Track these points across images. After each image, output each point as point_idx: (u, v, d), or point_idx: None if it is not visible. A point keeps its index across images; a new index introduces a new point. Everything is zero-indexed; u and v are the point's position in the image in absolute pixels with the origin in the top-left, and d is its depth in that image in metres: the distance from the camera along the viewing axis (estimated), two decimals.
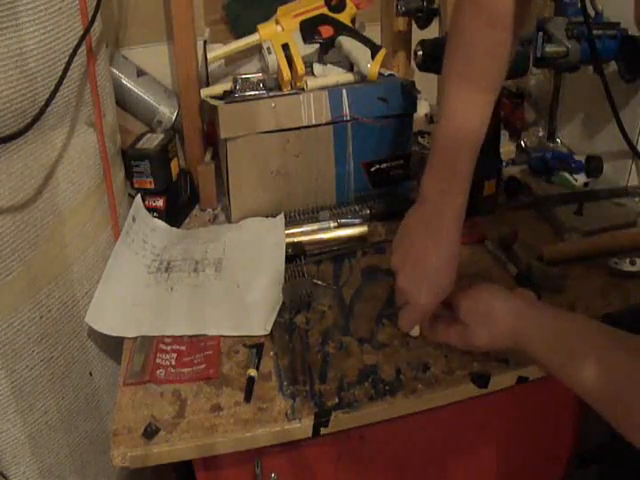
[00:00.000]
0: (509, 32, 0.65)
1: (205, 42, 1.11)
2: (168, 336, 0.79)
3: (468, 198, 0.67)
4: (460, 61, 0.67)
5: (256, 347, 0.76)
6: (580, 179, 1.10)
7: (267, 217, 1.02)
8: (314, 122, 0.99)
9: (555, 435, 0.89)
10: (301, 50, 1.01)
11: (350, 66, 1.06)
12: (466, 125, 0.66)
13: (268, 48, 1.00)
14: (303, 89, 1.01)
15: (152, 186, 1.01)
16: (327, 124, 1.00)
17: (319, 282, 0.88)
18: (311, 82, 1.01)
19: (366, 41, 1.03)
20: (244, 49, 1.08)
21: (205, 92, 1.07)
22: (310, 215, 1.04)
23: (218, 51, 1.08)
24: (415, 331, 0.75)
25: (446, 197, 0.66)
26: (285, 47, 1.00)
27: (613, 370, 0.50)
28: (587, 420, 0.87)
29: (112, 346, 0.89)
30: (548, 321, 0.57)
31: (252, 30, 1.04)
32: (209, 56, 1.08)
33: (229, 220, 1.04)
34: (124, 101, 1.11)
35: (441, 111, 0.68)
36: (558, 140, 1.20)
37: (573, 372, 0.53)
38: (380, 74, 1.04)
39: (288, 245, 0.93)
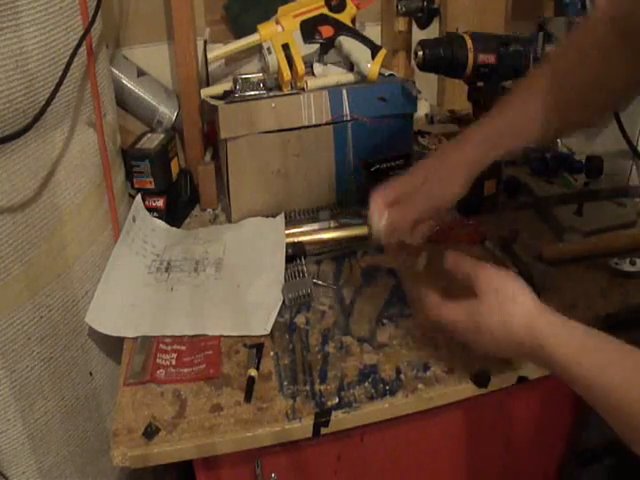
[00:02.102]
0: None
1: (205, 42, 1.11)
2: (168, 336, 0.79)
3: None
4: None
5: (256, 347, 0.76)
6: (580, 179, 1.11)
7: (267, 217, 1.02)
8: (314, 122, 0.99)
9: (555, 435, 0.89)
10: (301, 50, 1.01)
11: (350, 66, 1.06)
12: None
13: (268, 48, 1.00)
14: (303, 89, 1.01)
15: (152, 186, 1.01)
16: (327, 124, 1.00)
17: (319, 282, 0.88)
18: (311, 82, 1.01)
19: (366, 41, 1.03)
20: (244, 49, 1.08)
21: (205, 92, 1.07)
22: (310, 215, 1.04)
23: (218, 51, 1.08)
24: (420, 265, 0.78)
25: (458, 146, 0.70)
26: (285, 47, 1.00)
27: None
28: (589, 419, 0.87)
29: (112, 346, 0.89)
30: (572, 326, 0.57)
31: (252, 30, 1.04)
32: (209, 56, 1.08)
33: (229, 220, 1.04)
34: (124, 101, 1.11)
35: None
36: (558, 140, 1.20)
37: (592, 378, 0.53)
38: (380, 74, 1.04)
39: (288, 245, 0.93)
